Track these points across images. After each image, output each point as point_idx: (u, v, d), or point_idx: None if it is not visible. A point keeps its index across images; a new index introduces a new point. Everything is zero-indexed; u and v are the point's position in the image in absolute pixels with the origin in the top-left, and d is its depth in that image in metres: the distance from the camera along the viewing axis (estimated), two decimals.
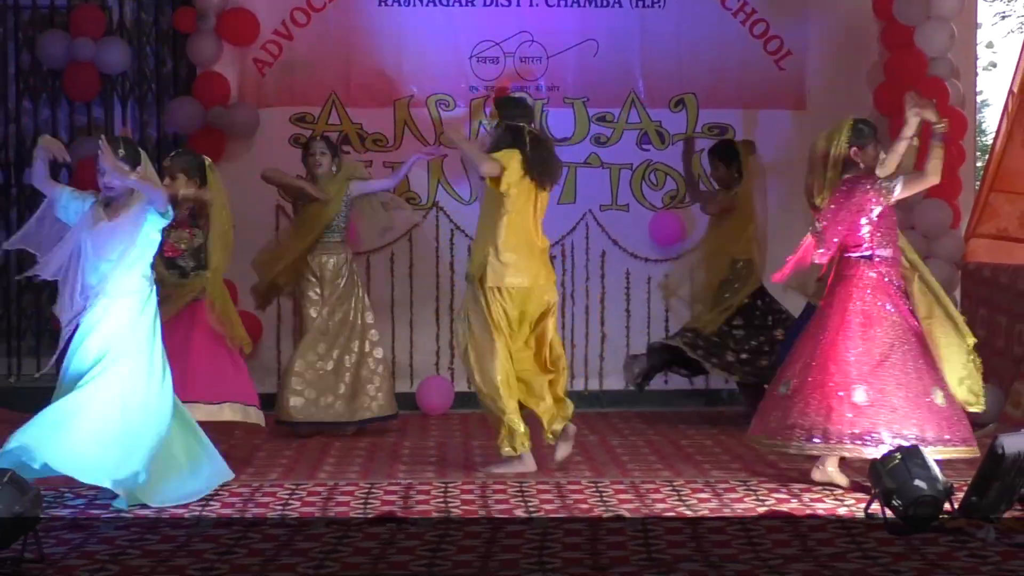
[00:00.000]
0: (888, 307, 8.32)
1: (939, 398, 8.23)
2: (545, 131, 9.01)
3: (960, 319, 8.50)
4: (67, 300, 8.01)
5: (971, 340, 8.42)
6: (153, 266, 8.09)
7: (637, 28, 12.05)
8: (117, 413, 7.72)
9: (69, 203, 7.95)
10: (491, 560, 6.54)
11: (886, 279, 8.37)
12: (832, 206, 8.37)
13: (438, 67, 11.95)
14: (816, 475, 8.34)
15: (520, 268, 8.94)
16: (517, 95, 9.50)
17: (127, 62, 11.81)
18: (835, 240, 8.37)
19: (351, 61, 11.95)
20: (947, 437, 8.15)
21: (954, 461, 8.20)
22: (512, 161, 8.87)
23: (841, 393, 8.20)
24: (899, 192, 8.31)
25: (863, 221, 8.33)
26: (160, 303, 8.65)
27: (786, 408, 8.37)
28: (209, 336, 9.22)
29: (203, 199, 9.22)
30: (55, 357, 8.26)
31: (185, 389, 8.68)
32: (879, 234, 8.35)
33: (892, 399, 8.18)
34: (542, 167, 9.00)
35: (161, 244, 8.88)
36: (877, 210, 8.30)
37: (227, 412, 9.20)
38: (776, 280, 8.83)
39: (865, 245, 8.37)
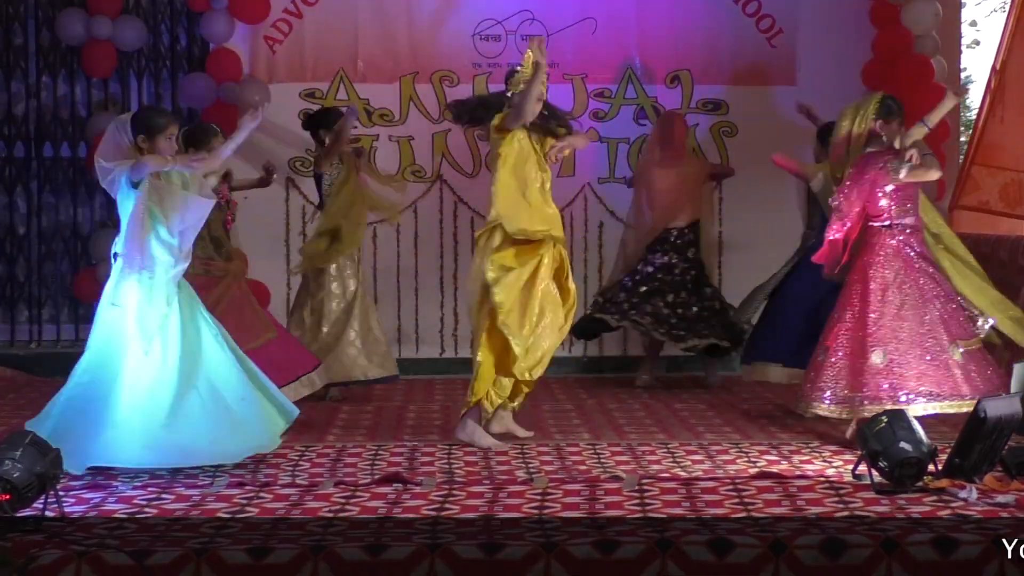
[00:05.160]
0: (904, 271, 8.48)
1: (956, 354, 8.38)
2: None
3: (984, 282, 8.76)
4: None
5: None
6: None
7: (634, 7, 12.16)
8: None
9: None
10: (493, 520, 6.64)
11: (905, 246, 8.52)
12: (847, 182, 8.58)
13: (442, 44, 12.07)
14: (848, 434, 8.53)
15: None
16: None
17: (143, 39, 11.93)
18: (851, 213, 8.57)
19: (358, 38, 12.06)
20: (964, 393, 8.29)
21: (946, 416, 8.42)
22: None
23: (862, 357, 8.38)
24: (904, 177, 8.38)
25: (879, 194, 8.51)
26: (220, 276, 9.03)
27: (821, 373, 8.56)
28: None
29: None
30: None
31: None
32: (895, 205, 8.50)
33: (908, 358, 8.34)
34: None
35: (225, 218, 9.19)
36: (891, 185, 8.48)
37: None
38: (827, 276, 8.90)
39: (884, 215, 8.53)
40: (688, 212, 11.17)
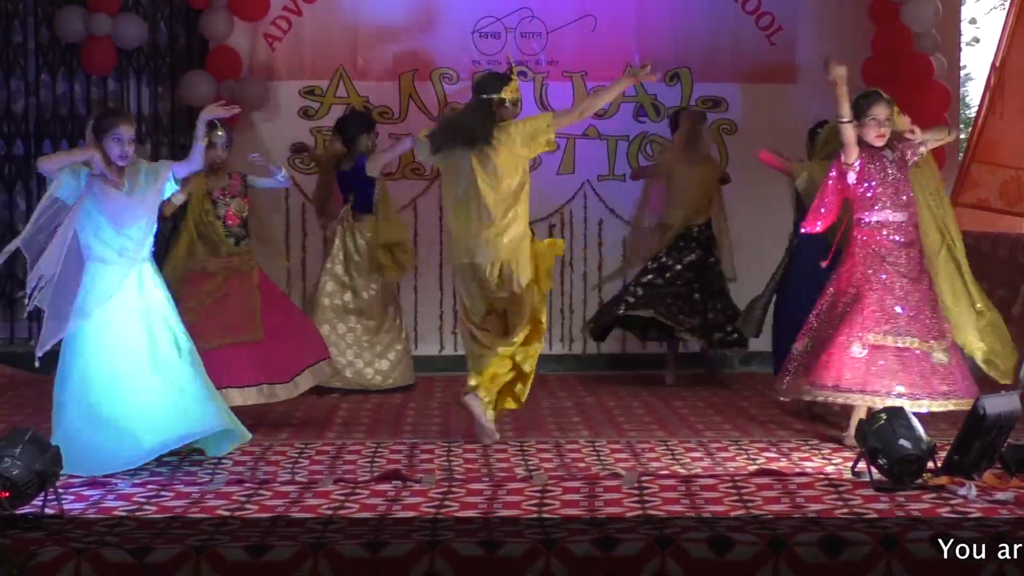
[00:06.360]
0: (871, 270, 8.43)
1: (938, 355, 8.34)
2: (484, 99, 8.77)
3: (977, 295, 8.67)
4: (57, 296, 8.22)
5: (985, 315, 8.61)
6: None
7: (633, 4, 12.18)
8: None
9: (68, 182, 7.93)
10: (492, 517, 6.66)
11: (873, 244, 8.45)
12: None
13: (442, 42, 12.09)
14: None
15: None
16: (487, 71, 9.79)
17: (142, 37, 11.94)
18: (821, 211, 8.58)
19: (358, 36, 12.09)
20: (944, 390, 8.27)
21: (945, 414, 8.35)
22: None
23: (840, 349, 8.33)
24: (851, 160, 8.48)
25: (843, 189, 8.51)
26: (215, 271, 9.06)
27: (805, 364, 8.56)
28: (282, 306, 9.42)
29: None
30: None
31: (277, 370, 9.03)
32: (865, 200, 8.46)
33: (887, 355, 8.31)
34: (440, 135, 8.84)
35: (224, 211, 9.21)
36: (851, 176, 8.45)
37: (309, 379, 9.40)
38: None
39: (858, 210, 8.51)
40: (707, 211, 11.24)
